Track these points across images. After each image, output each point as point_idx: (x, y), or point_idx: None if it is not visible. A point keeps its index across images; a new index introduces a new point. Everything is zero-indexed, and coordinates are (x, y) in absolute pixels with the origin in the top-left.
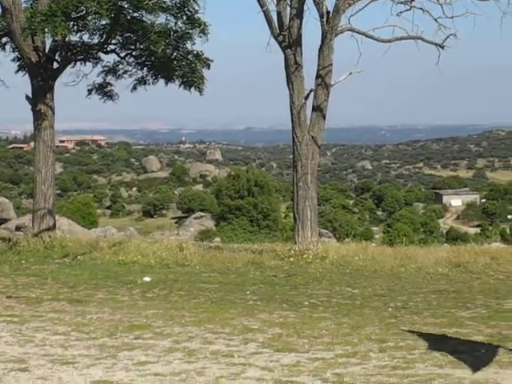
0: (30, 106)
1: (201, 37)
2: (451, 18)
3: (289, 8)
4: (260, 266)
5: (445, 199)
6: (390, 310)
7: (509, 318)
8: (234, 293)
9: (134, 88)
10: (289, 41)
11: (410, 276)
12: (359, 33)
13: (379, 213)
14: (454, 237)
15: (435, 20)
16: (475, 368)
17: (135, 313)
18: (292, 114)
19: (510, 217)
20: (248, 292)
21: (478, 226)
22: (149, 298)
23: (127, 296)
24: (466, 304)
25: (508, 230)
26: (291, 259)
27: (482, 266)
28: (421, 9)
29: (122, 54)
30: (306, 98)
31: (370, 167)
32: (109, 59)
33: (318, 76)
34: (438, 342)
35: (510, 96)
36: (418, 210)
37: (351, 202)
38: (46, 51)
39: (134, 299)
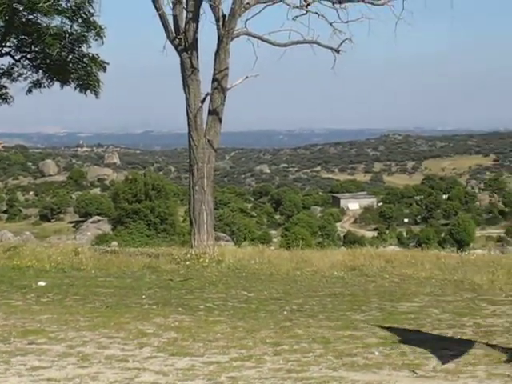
0: None
1: (96, 40)
2: (346, 22)
3: (185, 12)
4: (156, 270)
5: (342, 203)
6: (285, 313)
7: (402, 320)
8: (129, 297)
9: (29, 91)
10: (185, 44)
11: (305, 279)
12: (255, 37)
13: (277, 216)
14: (351, 240)
15: (330, 24)
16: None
17: (29, 318)
18: (188, 118)
19: (406, 220)
20: (144, 296)
21: (375, 229)
22: (43, 303)
23: (21, 301)
24: (360, 307)
25: (404, 233)
26: (187, 263)
27: (377, 269)
28: (316, 13)
29: (17, 57)
30: (203, 101)
31: (268, 171)
32: (3, 62)
33: (214, 80)
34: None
35: (406, 100)
36: (315, 213)
37: (249, 205)
38: None
39: (28, 304)
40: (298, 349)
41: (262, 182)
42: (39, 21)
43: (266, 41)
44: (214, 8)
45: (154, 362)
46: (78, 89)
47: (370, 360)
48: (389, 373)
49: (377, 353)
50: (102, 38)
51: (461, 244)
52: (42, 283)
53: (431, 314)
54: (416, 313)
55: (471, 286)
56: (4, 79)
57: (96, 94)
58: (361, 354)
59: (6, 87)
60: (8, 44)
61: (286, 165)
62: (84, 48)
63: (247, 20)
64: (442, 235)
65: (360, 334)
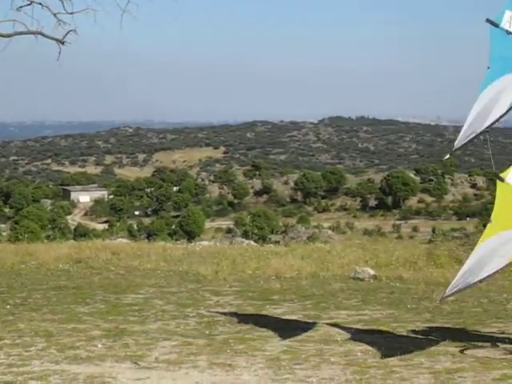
0: None
1: None
2: (71, 13)
3: None
4: None
5: (73, 195)
6: (8, 307)
7: (126, 312)
8: None
9: None
10: None
11: (30, 273)
12: None
13: (6, 210)
14: (81, 233)
15: (54, 15)
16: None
17: None
18: None
19: (137, 212)
20: None
21: (105, 221)
22: None
23: None
24: (85, 299)
25: (135, 226)
26: None
27: (103, 261)
28: (40, 4)
29: None
30: None
31: None
32: None
33: None
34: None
35: (140, 94)
36: (45, 206)
37: None
38: None
39: None
40: (20, 343)
41: None
42: None
43: None
44: None
45: None
46: None
47: (92, 352)
48: (111, 365)
49: (100, 345)
50: None
51: (191, 235)
52: None
53: (155, 306)
54: (140, 304)
55: (196, 277)
56: None
57: None
58: (83, 347)
59: None
60: None
61: (15, 157)
62: None
63: None
64: (173, 227)
65: (83, 327)
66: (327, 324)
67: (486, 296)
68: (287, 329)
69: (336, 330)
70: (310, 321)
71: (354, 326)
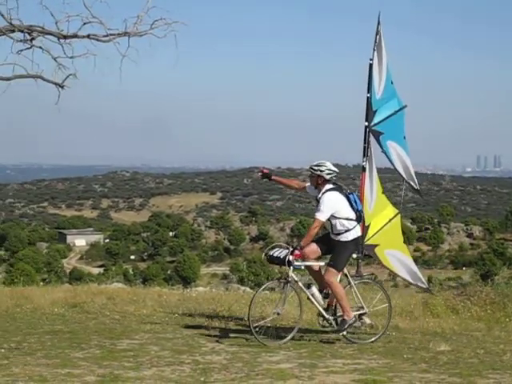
0: None
1: None
2: (71, 57)
3: None
4: None
5: (69, 239)
6: (2, 351)
7: (121, 357)
8: None
9: None
10: None
11: (25, 316)
12: None
13: (2, 252)
14: (77, 277)
15: (54, 59)
16: None
17: None
18: None
19: (132, 257)
20: None
21: (101, 266)
22: None
23: None
24: (80, 344)
25: (131, 270)
26: None
27: (99, 306)
28: (40, 47)
29: None
30: None
31: None
32: None
33: None
34: None
35: (133, 138)
36: (41, 249)
37: None
38: None
39: None
40: None
41: None
42: None
43: None
44: None
45: None
46: None
47: None
48: None
49: None
50: None
51: (186, 281)
52: None
53: (150, 352)
54: (135, 350)
55: (191, 323)
56: None
57: None
58: None
59: None
60: None
61: (12, 200)
62: None
63: None
64: (168, 272)
65: (78, 372)
66: (323, 372)
67: (482, 347)
68: (281, 377)
69: (331, 378)
70: (306, 369)
71: (349, 375)
